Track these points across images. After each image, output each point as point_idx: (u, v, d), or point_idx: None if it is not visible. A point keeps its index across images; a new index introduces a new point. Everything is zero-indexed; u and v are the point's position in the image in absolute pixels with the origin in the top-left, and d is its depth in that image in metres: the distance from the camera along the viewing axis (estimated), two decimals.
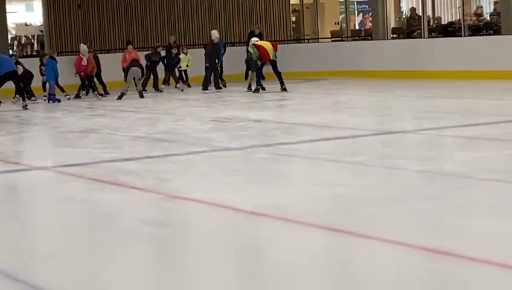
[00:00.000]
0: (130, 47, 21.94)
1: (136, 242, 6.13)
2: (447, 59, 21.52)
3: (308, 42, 29.42)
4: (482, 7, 28.33)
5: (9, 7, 26.13)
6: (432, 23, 27.35)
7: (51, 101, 20.21)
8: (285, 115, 15.95)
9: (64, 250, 6.02)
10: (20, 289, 5.16)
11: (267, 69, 20.79)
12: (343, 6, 31.32)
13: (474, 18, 26.47)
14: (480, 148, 10.05)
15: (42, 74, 21.04)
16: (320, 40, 29.50)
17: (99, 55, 22.90)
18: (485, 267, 5.06)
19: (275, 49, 20.24)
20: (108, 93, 21.61)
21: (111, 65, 22.54)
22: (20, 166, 10.62)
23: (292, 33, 30.18)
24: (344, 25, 31.09)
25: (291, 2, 29.96)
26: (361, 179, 8.21)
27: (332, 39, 29.79)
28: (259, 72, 20.51)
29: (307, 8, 30.85)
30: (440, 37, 25.54)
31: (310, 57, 25.44)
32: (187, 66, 23.34)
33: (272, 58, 20.04)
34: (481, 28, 25.57)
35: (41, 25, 28.22)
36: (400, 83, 20.86)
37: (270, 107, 17.12)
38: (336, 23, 32.03)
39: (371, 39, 26.55)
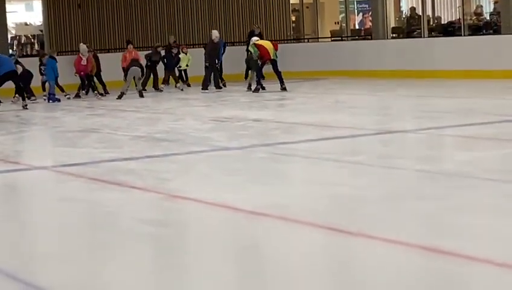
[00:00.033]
0: (130, 46, 21.96)
1: (136, 242, 6.13)
2: (447, 59, 21.53)
3: (308, 42, 29.42)
4: (481, 7, 28.33)
5: (9, 7, 26.13)
6: (431, 23, 27.35)
7: (50, 101, 20.21)
8: (285, 114, 15.96)
9: (64, 250, 6.02)
10: (20, 289, 5.16)
11: (266, 69, 20.80)
12: (343, 6, 31.33)
13: (474, 17, 26.48)
14: (480, 147, 10.05)
15: (42, 74, 21.04)
16: (320, 39, 29.50)
17: (99, 54, 22.90)
18: (485, 266, 5.06)
19: (276, 49, 20.25)
20: (108, 93, 21.61)
21: (111, 65, 22.54)
22: (20, 166, 10.62)
23: (292, 33, 30.19)
24: (344, 24, 31.10)
25: (291, 2, 29.96)
26: (361, 179, 8.21)
27: (332, 39, 29.79)
28: (260, 71, 20.51)
29: (307, 7, 30.85)
30: (440, 36, 25.54)
31: (310, 56, 25.44)
32: (187, 65, 23.34)
33: (272, 57, 20.05)
34: (481, 27, 25.58)
35: (41, 25, 28.21)
36: (400, 82, 20.86)
37: (270, 107, 17.13)
38: (335, 23, 32.03)
39: (371, 39, 26.55)
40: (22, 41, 31.01)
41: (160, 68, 22.85)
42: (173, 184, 8.41)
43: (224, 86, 22.41)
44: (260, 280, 5.06)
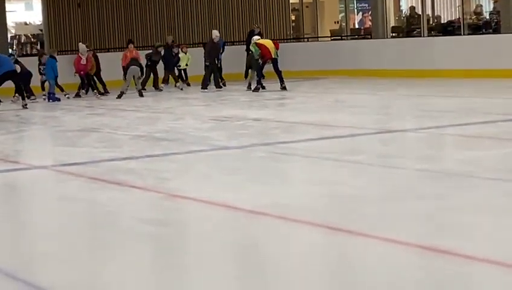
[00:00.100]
0: (131, 46, 21.93)
1: (136, 241, 6.13)
2: (447, 58, 21.53)
3: (308, 41, 29.42)
4: (481, 6, 28.32)
5: (8, 6, 26.13)
6: (431, 22, 27.35)
7: (50, 100, 20.22)
8: (285, 113, 15.96)
9: (64, 249, 6.02)
10: (20, 288, 5.16)
11: (266, 68, 20.80)
12: (342, 5, 31.33)
13: (473, 17, 26.48)
14: (480, 146, 10.05)
15: (41, 73, 21.04)
16: (319, 38, 29.50)
17: (98, 54, 22.90)
18: (485, 266, 5.06)
19: (277, 48, 20.26)
20: (108, 92, 21.60)
21: (111, 64, 22.54)
22: (19, 165, 10.62)
23: (292, 32, 30.19)
24: (344, 23, 31.10)
25: (290, 1, 29.96)
26: (360, 178, 8.21)
27: (332, 38, 29.79)
28: (260, 71, 20.51)
29: (307, 7, 30.85)
30: (440, 35, 25.54)
31: (310, 55, 25.44)
32: (186, 65, 23.34)
33: (273, 56, 20.05)
34: (480, 26, 25.58)
35: (40, 24, 28.21)
36: (400, 81, 20.86)
37: (269, 106, 17.13)
38: (335, 22, 32.03)
39: (371, 38, 26.55)
40: (22, 41, 31.00)
41: (160, 68, 22.85)
42: (173, 183, 8.41)
43: (224, 85, 22.41)
44: (260, 280, 5.06)
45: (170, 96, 20.82)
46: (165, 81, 23.16)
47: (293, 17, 30.84)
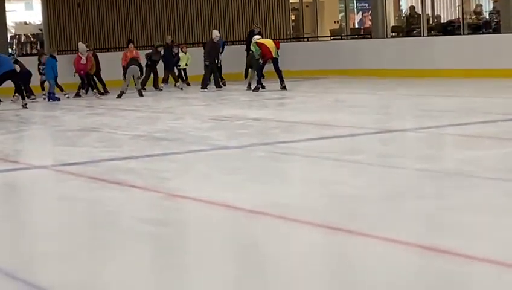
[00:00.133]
0: (131, 46, 21.91)
1: (136, 241, 6.13)
2: (447, 57, 21.53)
3: (308, 41, 29.42)
4: (481, 5, 28.32)
5: (8, 6, 26.13)
6: (431, 22, 27.34)
7: (50, 100, 20.22)
8: (285, 113, 15.96)
9: (64, 249, 6.02)
10: (20, 288, 5.16)
11: (266, 68, 20.80)
12: (342, 5, 31.32)
13: (473, 16, 26.47)
14: (480, 146, 10.05)
15: (40, 73, 21.04)
16: (319, 38, 29.50)
17: (98, 53, 22.90)
18: (485, 266, 5.06)
19: (277, 47, 20.26)
20: (108, 92, 21.61)
21: (111, 64, 22.54)
22: (19, 165, 10.62)
23: (292, 32, 30.18)
24: (343, 23, 31.09)
25: (290, 1, 29.96)
26: (360, 178, 8.22)
27: (332, 38, 29.79)
28: (261, 70, 20.52)
29: (307, 6, 30.85)
30: (439, 35, 25.54)
31: (310, 55, 25.44)
32: (186, 64, 23.35)
33: (274, 56, 20.06)
34: (480, 26, 25.58)
35: (40, 24, 28.21)
36: (400, 81, 20.87)
37: (269, 106, 17.13)
38: (335, 22, 32.02)
39: (371, 38, 26.55)
40: (22, 41, 31.00)
41: (160, 67, 22.85)
42: (173, 183, 8.41)
43: (224, 85, 22.41)
44: (260, 279, 5.06)
45: (170, 96, 20.82)
46: (165, 81, 23.16)
47: (293, 17, 30.84)
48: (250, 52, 21.27)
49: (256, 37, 21.15)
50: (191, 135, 12.38)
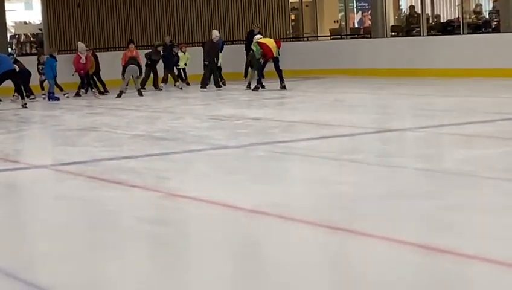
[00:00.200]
0: (131, 46, 21.85)
1: (136, 240, 6.14)
2: (446, 57, 21.53)
3: (307, 40, 29.42)
4: (481, 5, 28.33)
5: (8, 5, 26.13)
6: (431, 21, 27.35)
7: (50, 100, 20.22)
8: (285, 113, 15.96)
9: (64, 248, 6.02)
10: (20, 288, 5.16)
11: (266, 67, 20.78)
12: (342, 4, 31.31)
13: (473, 16, 26.48)
14: (479, 146, 10.06)
15: (40, 73, 21.04)
16: (319, 38, 29.50)
17: (98, 53, 22.90)
18: (485, 265, 5.07)
19: (278, 46, 20.26)
20: (108, 92, 21.61)
21: (110, 63, 22.54)
22: (19, 164, 10.63)
23: (291, 31, 30.18)
24: (343, 23, 31.09)
25: (290, 0, 29.96)
26: (360, 177, 8.22)
27: (332, 37, 29.78)
28: (261, 70, 20.52)
29: (306, 6, 30.85)
30: (439, 35, 25.54)
31: (309, 55, 25.44)
32: (185, 64, 23.35)
33: (275, 55, 20.07)
34: (480, 26, 25.58)
35: (40, 24, 28.21)
36: (399, 81, 20.86)
37: (269, 105, 17.12)
38: (335, 21, 32.02)
39: (370, 37, 26.55)
40: (21, 40, 31.01)
41: (160, 67, 22.85)
42: (172, 183, 8.42)
43: (224, 84, 22.41)
44: (260, 279, 5.07)
45: (170, 95, 20.82)
46: (165, 80, 23.16)
47: (292, 17, 30.84)
48: (251, 51, 21.27)
49: (258, 36, 21.15)
50: (191, 134, 12.39)
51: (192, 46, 25.62)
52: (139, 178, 8.72)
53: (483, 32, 24.64)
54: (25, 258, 5.85)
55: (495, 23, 24.98)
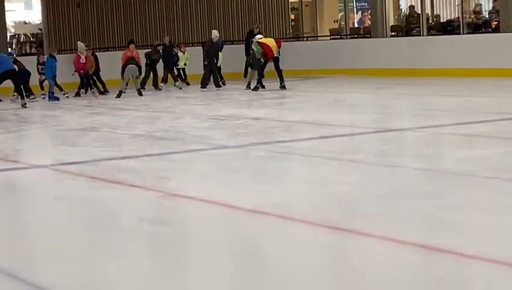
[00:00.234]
0: (131, 46, 21.82)
1: (136, 240, 6.14)
2: (446, 57, 21.52)
3: (307, 40, 29.41)
4: (480, 5, 28.34)
5: (8, 5, 26.12)
6: (430, 21, 27.35)
7: (51, 100, 20.21)
8: (284, 112, 15.96)
9: (64, 248, 6.02)
10: (20, 288, 5.16)
11: (266, 67, 20.77)
12: (342, 4, 31.31)
13: (473, 16, 26.48)
14: (479, 145, 10.06)
15: (40, 73, 21.04)
16: (319, 38, 29.50)
17: (98, 53, 22.89)
18: (485, 265, 5.07)
19: (279, 46, 20.27)
20: (108, 92, 21.61)
21: (110, 63, 22.53)
22: (19, 164, 10.62)
23: (291, 31, 30.18)
24: (343, 22, 31.09)
25: (290, 0, 29.96)
26: (360, 177, 8.22)
27: (331, 37, 29.77)
28: (262, 70, 20.52)
29: (306, 6, 30.84)
30: (439, 35, 25.54)
31: (309, 55, 25.43)
32: (185, 64, 23.36)
33: (275, 55, 20.07)
34: (480, 25, 25.58)
35: (40, 23, 28.21)
36: (399, 80, 20.86)
37: (269, 105, 17.12)
38: (334, 21, 32.01)
39: (370, 37, 26.55)
40: (21, 40, 31.01)
41: (160, 67, 22.85)
42: (172, 182, 8.42)
43: (224, 84, 22.41)
44: (260, 279, 5.07)
45: (169, 95, 20.82)
46: (164, 80, 23.16)
47: (292, 16, 30.83)
48: (251, 51, 21.27)
49: (258, 36, 21.15)
50: (191, 134, 12.39)
51: (192, 46, 25.62)
52: (139, 178, 8.72)
53: (483, 32, 24.64)
54: (25, 258, 5.85)
55: (495, 23, 24.98)
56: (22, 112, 17.82)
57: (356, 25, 33.96)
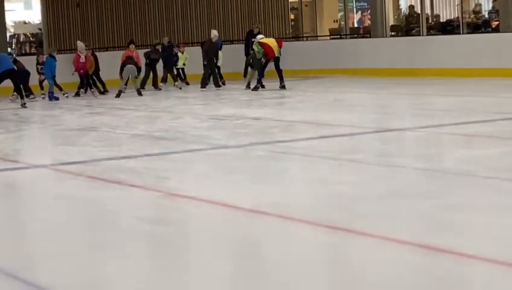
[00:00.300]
0: (132, 46, 21.82)
1: (136, 240, 6.14)
2: (446, 57, 21.52)
3: (307, 40, 29.41)
4: (480, 5, 28.34)
5: (7, 5, 26.12)
6: (430, 21, 27.35)
7: (53, 100, 20.21)
8: (284, 112, 15.96)
9: (63, 248, 6.02)
10: (20, 288, 5.16)
11: (266, 67, 20.77)
12: (341, 4, 31.30)
13: (472, 16, 26.48)
14: (479, 145, 10.06)
15: (39, 73, 21.04)
16: (318, 37, 29.50)
17: (98, 53, 22.89)
18: (484, 265, 5.06)
19: (280, 46, 20.27)
20: (107, 92, 21.61)
21: (110, 63, 22.52)
22: (19, 164, 10.62)
23: (291, 31, 30.18)
24: (343, 22, 31.09)
25: (289, 0, 29.96)
26: (359, 177, 8.22)
27: (331, 37, 29.78)
28: (262, 70, 20.52)
29: (306, 5, 30.84)
30: (439, 34, 25.54)
31: (309, 54, 25.43)
32: (184, 64, 23.36)
33: (276, 55, 20.07)
34: (479, 25, 25.58)
35: (40, 23, 28.21)
36: (399, 80, 20.86)
37: (269, 105, 17.12)
38: (334, 21, 32.01)
39: (370, 37, 26.55)
40: (21, 40, 31.00)
41: (159, 66, 22.84)
42: (172, 182, 8.42)
43: (224, 84, 22.41)
44: (260, 279, 5.07)
45: (169, 95, 20.82)
46: (164, 80, 23.16)
47: (292, 16, 30.83)
48: (251, 51, 21.26)
49: (259, 36, 21.15)
50: (190, 134, 12.38)
51: (192, 46, 25.61)
52: (138, 178, 8.71)
53: (482, 32, 24.64)
54: (25, 258, 5.85)
55: (495, 23, 24.98)
56: (21, 111, 17.82)
57: (356, 25, 33.95)
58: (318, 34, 29.84)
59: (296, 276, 5.04)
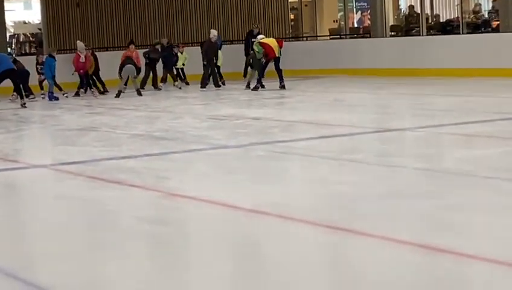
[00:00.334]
0: (131, 46, 21.81)
1: (136, 240, 6.13)
2: (446, 57, 21.52)
3: (307, 40, 29.41)
4: (480, 5, 28.34)
5: (7, 5, 26.12)
6: (430, 21, 27.35)
7: (53, 100, 20.21)
8: (284, 112, 15.96)
9: (63, 248, 6.01)
10: (20, 288, 5.16)
11: (266, 67, 20.78)
12: (341, 4, 31.30)
13: (472, 16, 26.48)
14: (479, 145, 10.06)
15: (39, 73, 21.04)
16: (318, 37, 29.50)
17: (97, 53, 22.89)
18: (484, 265, 5.06)
19: (280, 46, 20.27)
20: (107, 91, 21.61)
21: (110, 63, 22.51)
22: (18, 164, 10.62)
23: (291, 31, 30.18)
24: (342, 22, 31.09)
25: (289, 0, 29.96)
26: (359, 177, 8.22)
27: (331, 37, 29.78)
28: (263, 70, 20.52)
29: (306, 5, 30.84)
30: (438, 34, 25.54)
31: (309, 54, 25.43)
32: (183, 64, 23.37)
33: (277, 55, 20.07)
34: (479, 25, 25.58)
35: (39, 23, 28.20)
36: (398, 80, 20.86)
37: (268, 105, 17.12)
38: (334, 21, 32.02)
39: (370, 37, 26.55)
40: (21, 40, 30.99)
41: (159, 66, 22.84)
42: (172, 182, 8.41)
43: (224, 84, 22.41)
44: (260, 279, 5.06)
45: (169, 95, 20.82)
46: (163, 80, 23.16)
47: (292, 16, 30.84)
48: (252, 51, 21.27)
49: (260, 36, 21.16)
50: (190, 134, 12.38)
51: (192, 46, 25.61)
52: (138, 178, 8.71)
53: (482, 32, 24.64)
54: (25, 258, 5.85)
55: (495, 23, 24.97)
56: (21, 111, 17.82)
57: (356, 25, 33.95)
58: (318, 34, 29.84)
59: (296, 276, 5.04)
